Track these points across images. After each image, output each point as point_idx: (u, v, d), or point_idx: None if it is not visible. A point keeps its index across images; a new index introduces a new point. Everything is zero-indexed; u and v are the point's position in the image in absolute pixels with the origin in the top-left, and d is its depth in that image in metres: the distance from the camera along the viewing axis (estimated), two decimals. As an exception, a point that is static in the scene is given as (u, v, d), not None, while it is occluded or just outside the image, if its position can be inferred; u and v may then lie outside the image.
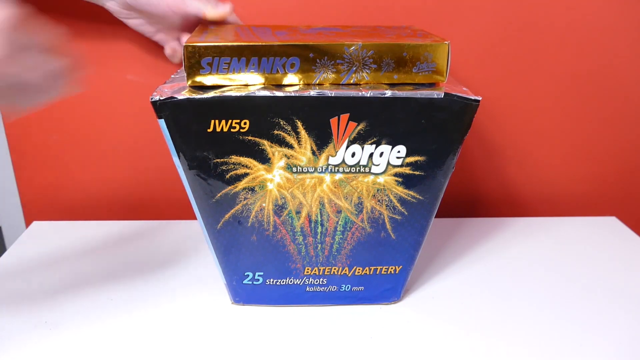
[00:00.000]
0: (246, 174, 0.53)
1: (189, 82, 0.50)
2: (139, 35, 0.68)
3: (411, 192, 0.55)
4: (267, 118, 0.50)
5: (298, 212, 0.56)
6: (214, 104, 0.49)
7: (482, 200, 0.90)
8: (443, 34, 0.57)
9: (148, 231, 0.80)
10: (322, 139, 0.52)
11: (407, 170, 0.54)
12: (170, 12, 0.58)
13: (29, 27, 0.43)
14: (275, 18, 0.75)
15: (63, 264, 0.71)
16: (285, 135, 0.51)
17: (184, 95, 0.49)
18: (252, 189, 0.54)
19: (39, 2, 0.74)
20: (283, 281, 0.60)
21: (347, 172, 0.54)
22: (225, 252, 0.58)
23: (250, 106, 0.49)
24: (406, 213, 0.56)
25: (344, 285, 0.61)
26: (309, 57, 0.49)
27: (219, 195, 0.54)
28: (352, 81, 0.51)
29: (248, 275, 0.60)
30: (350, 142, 0.52)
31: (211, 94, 0.49)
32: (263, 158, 0.52)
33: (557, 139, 0.86)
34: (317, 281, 0.61)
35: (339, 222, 0.57)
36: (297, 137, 0.51)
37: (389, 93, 0.50)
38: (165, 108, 0.49)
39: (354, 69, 0.50)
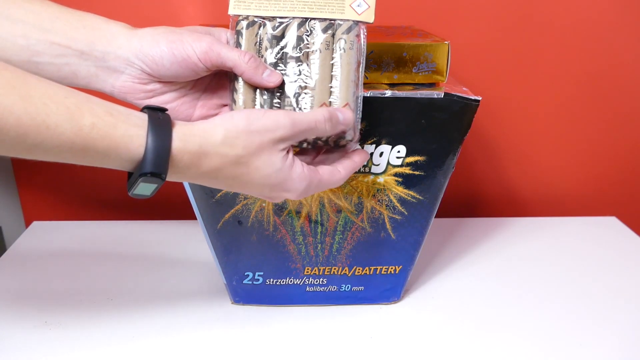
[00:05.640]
0: (246, 174, 0.53)
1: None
2: None
3: (411, 192, 0.55)
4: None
5: (298, 212, 0.56)
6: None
7: (482, 200, 0.90)
8: (443, 34, 0.57)
9: (148, 231, 0.80)
10: (322, 139, 0.51)
11: (407, 170, 0.54)
12: (202, 67, 0.44)
13: None
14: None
15: (63, 264, 0.71)
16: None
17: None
18: (252, 189, 0.54)
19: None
20: (283, 281, 0.60)
21: (347, 172, 0.54)
22: (225, 252, 0.58)
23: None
24: (406, 213, 0.56)
25: (344, 285, 0.61)
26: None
27: (219, 195, 0.54)
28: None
29: (248, 275, 0.60)
30: (350, 142, 0.52)
31: (211, 94, 0.49)
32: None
33: (558, 139, 0.86)
34: (317, 281, 0.61)
35: (339, 222, 0.57)
36: (297, 137, 0.51)
37: (389, 93, 0.50)
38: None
39: (354, 68, 0.50)
